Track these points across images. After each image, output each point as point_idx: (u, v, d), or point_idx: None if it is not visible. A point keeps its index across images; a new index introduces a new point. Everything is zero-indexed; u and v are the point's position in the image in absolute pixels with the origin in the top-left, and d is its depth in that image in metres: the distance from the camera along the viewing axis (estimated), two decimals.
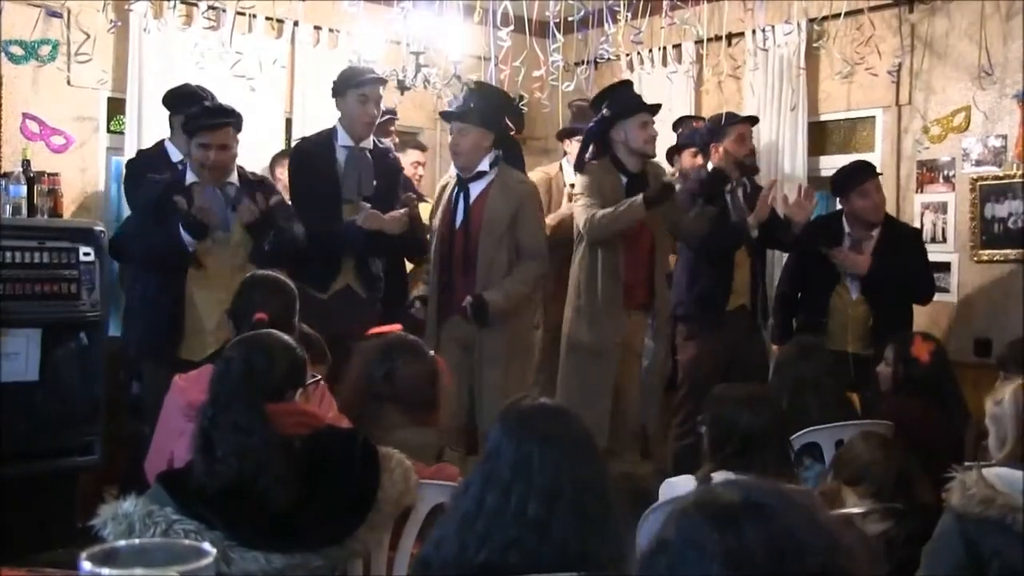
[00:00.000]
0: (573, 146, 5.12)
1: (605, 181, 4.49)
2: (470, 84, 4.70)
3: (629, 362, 4.61)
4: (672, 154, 5.57)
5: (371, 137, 4.51)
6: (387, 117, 5.05)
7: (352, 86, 4.38)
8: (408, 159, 5.44)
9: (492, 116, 4.40)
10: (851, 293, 4.68)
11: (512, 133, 4.64)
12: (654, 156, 4.60)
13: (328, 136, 4.47)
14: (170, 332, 3.93)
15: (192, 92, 4.56)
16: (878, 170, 4.92)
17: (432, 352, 3.00)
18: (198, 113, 4.10)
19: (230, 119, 4.06)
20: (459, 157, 4.42)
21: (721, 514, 0.98)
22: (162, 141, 4.73)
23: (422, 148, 5.78)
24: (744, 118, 5.04)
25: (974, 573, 2.16)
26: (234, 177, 4.08)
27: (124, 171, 4.81)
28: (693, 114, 5.86)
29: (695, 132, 5.28)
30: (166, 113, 4.71)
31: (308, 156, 4.43)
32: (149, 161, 4.55)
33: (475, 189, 4.41)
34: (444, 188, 4.58)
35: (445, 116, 4.62)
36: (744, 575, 0.94)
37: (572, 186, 5.05)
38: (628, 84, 4.91)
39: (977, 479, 2.15)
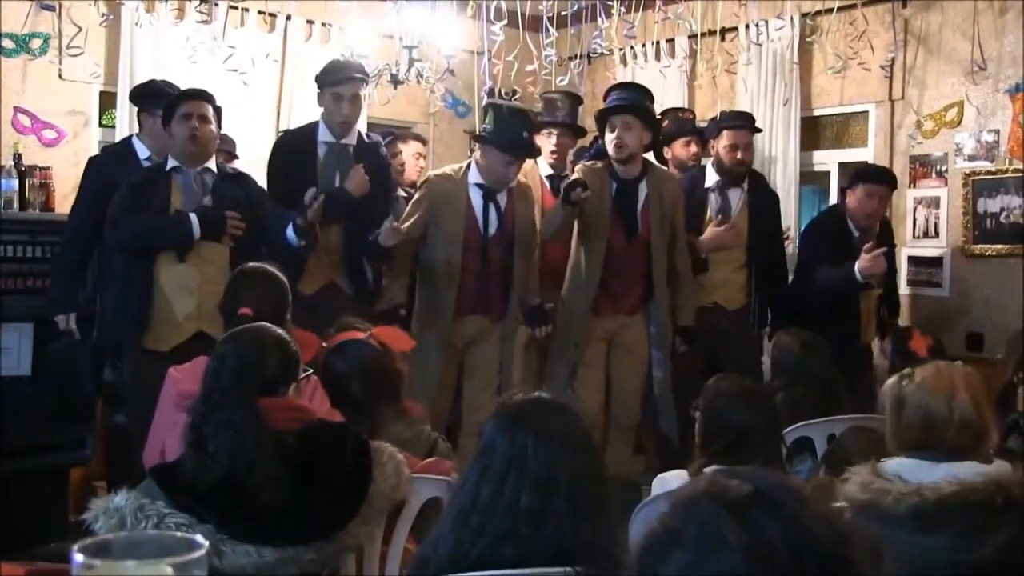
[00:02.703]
0: (543, 139, 5.08)
1: (591, 184, 4.42)
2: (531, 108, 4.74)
3: (621, 363, 4.61)
4: (664, 144, 5.54)
5: (357, 131, 4.45)
6: (389, 139, 5.02)
7: (327, 84, 4.32)
8: (410, 150, 5.41)
9: None
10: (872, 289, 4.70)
11: None
12: (618, 158, 4.45)
13: (311, 130, 4.41)
14: (141, 322, 3.78)
15: (160, 87, 4.41)
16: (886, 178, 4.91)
17: (367, 334, 3.10)
18: (175, 95, 4.03)
19: (208, 96, 3.99)
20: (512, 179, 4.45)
21: (737, 504, 0.97)
22: (129, 138, 4.55)
23: (423, 141, 5.75)
24: (742, 124, 4.86)
25: None
26: (212, 165, 3.96)
27: (86, 165, 4.43)
28: (685, 107, 5.85)
29: (687, 122, 5.26)
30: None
31: (288, 150, 4.38)
32: (114, 158, 4.36)
33: (501, 198, 4.40)
34: (441, 192, 4.39)
35: (535, 154, 4.63)
36: (765, 567, 0.93)
37: (549, 178, 5.05)
38: (618, 85, 4.77)
39: None
